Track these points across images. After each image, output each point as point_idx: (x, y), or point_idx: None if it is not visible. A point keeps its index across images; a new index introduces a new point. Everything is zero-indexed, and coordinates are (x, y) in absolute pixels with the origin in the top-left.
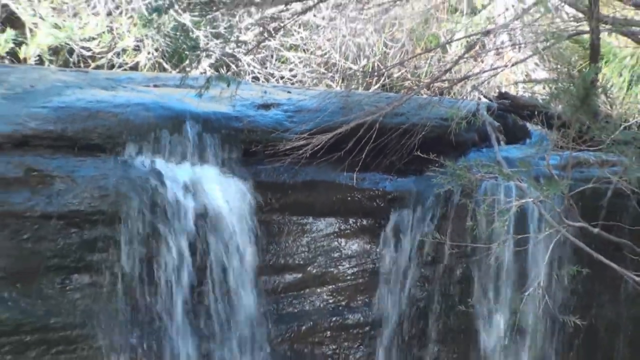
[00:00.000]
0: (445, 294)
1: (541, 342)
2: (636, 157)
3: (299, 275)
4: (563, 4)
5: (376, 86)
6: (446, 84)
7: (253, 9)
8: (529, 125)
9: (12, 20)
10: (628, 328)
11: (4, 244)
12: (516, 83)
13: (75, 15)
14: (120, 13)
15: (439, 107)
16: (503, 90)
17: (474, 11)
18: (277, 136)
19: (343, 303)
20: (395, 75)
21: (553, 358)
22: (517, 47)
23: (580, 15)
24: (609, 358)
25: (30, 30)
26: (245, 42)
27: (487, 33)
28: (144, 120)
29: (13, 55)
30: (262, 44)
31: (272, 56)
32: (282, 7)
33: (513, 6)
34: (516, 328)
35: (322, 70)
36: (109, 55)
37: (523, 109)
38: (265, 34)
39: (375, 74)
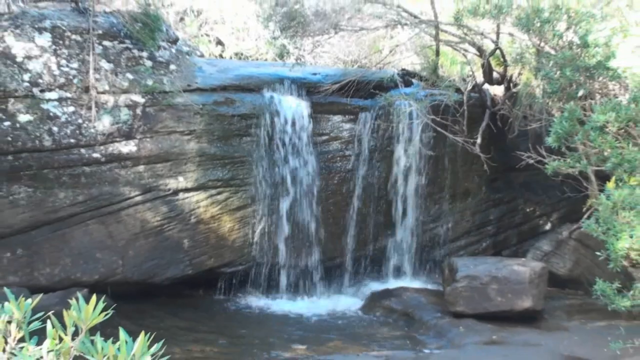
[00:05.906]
0: (381, 143)
1: (418, 162)
2: (447, 90)
3: (327, 137)
4: (426, 34)
5: (355, 66)
6: (382, 65)
7: (310, 35)
8: (414, 80)
9: (221, 43)
10: (455, 155)
11: (217, 125)
12: (408, 65)
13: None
14: (256, 40)
15: (380, 74)
16: (404, 67)
17: (392, 37)
18: (318, 84)
19: (344, 147)
20: (363, 62)
21: (422, 169)
22: (409, 50)
23: (432, 38)
24: (451, 169)
25: (227, 46)
26: (306, 49)
27: (397, 46)
28: (269, 79)
29: (220, 55)
30: (314, 50)
31: (318, 55)
32: (321, 36)
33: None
34: (409, 157)
35: (335, 60)
36: (255, 55)
37: (411, 75)
38: (314, 46)
39: (355, 61)
